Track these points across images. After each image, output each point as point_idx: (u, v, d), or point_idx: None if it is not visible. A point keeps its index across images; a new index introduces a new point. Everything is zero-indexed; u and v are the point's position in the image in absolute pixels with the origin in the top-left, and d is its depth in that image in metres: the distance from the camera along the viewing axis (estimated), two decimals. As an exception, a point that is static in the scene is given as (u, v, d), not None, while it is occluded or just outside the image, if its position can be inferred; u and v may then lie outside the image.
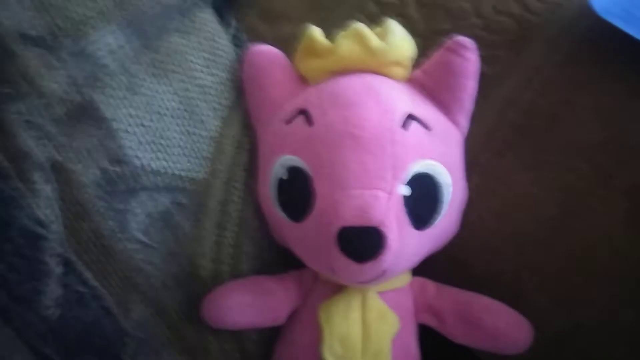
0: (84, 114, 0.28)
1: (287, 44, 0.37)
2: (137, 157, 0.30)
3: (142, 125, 0.30)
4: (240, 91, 0.36)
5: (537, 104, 0.38)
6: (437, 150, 0.32)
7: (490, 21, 0.41)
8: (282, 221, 0.33)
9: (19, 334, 0.27)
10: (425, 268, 0.37)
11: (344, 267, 0.30)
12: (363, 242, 0.29)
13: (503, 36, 0.40)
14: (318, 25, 0.36)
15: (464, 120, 0.35)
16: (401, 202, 0.30)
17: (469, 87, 0.34)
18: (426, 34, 0.42)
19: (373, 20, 0.36)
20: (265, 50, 0.36)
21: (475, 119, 0.37)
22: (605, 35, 0.36)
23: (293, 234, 0.33)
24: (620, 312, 0.34)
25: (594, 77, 0.37)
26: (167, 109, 0.31)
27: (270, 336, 0.38)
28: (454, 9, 0.42)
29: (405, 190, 0.30)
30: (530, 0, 0.41)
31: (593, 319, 0.35)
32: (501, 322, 0.34)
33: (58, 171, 0.27)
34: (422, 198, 0.31)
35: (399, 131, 0.31)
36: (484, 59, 0.40)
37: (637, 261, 0.34)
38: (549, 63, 0.38)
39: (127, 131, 0.30)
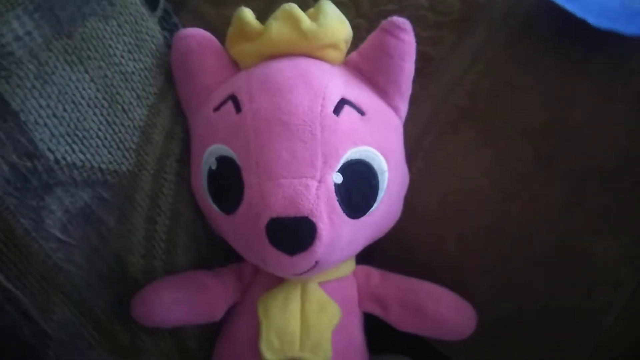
0: (-13, 106, 0.26)
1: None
2: (50, 150, 0.28)
3: (55, 116, 0.28)
4: (169, 77, 0.34)
5: (480, 86, 0.37)
6: (371, 135, 0.31)
7: (436, 1, 0.40)
8: (215, 213, 0.32)
9: None
10: (372, 253, 0.36)
11: (275, 259, 0.29)
12: (293, 234, 0.28)
13: (448, 16, 0.39)
14: (267, 7, 0.35)
15: (402, 104, 0.34)
16: (333, 190, 0.29)
17: (406, 69, 0.32)
18: (371, 15, 0.40)
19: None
20: (195, 34, 0.34)
21: (419, 101, 0.36)
22: (549, 14, 0.35)
23: (226, 227, 0.32)
24: (561, 296, 0.34)
25: (536, 58, 0.36)
26: (84, 98, 0.29)
27: (214, 332, 0.36)
28: (399, -11, 0.41)
29: (337, 178, 0.29)
30: (476, -21, 0.40)
31: (535, 303, 0.34)
32: (444, 308, 0.34)
33: (-42, 168, 0.26)
34: (356, 186, 0.30)
35: (331, 117, 0.30)
36: (429, 41, 0.39)
37: (578, 245, 0.33)
38: (493, 44, 0.38)
39: (37, 123, 0.28)
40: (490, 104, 0.36)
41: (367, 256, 0.36)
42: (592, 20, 0.32)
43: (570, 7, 0.33)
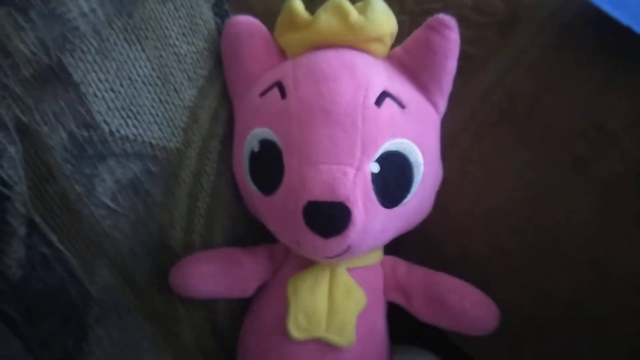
0: (52, 77, 0.28)
1: (277, 17, 0.36)
2: (105, 122, 0.30)
3: (112, 90, 0.30)
4: (218, 62, 0.36)
5: (520, 88, 0.37)
6: (410, 128, 0.32)
7: (479, 1, 0.40)
8: (253, 194, 0.33)
9: (-20, 292, 0.27)
10: (399, 245, 0.37)
11: (309, 241, 0.30)
12: (328, 217, 0.29)
13: (491, 17, 0.39)
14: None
15: (442, 101, 0.34)
16: (369, 179, 0.30)
17: (448, 67, 0.33)
18: (415, 12, 0.41)
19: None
20: (246, 21, 0.35)
21: (458, 100, 0.37)
22: (594, 21, 0.35)
23: (263, 207, 0.33)
24: (586, 301, 0.34)
25: (579, 64, 0.36)
26: (139, 76, 0.31)
27: (243, 308, 0.38)
28: (444, -13, 0.41)
29: (374, 168, 0.30)
30: (522, -18, 0.40)
31: (559, 307, 0.35)
32: (467, 302, 0.35)
33: (23, 132, 0.27)
34: (392, 176, 0.31)
35: (372, 108, 0.31)
36: (471, 41, 0.39)
37: (608, 250, 0.34)
38: (536, 47, 0.38)
39: (96, 95, 0.29)
40: (530, 107, 0.37)
41: (395, 247, 0.37)
42: (638, 28, 0.32)
43: (617, 15, 0.33)
